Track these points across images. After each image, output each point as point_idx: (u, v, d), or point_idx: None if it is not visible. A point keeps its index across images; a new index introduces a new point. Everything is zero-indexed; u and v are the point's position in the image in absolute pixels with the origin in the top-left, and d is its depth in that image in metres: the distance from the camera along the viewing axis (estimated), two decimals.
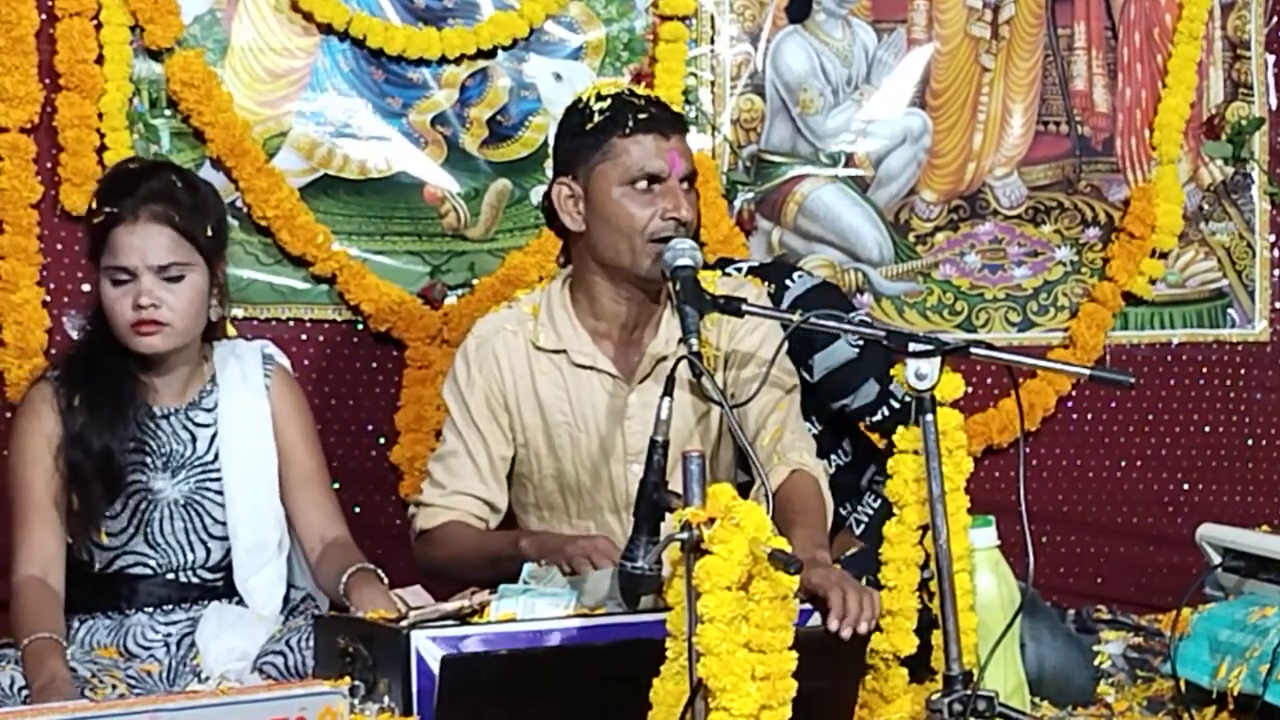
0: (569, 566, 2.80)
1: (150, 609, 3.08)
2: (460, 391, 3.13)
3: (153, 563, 3.09)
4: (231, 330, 3.42)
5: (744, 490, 2.81)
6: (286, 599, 3.16)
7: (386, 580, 2.99)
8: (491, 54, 4.06)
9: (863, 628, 2.61)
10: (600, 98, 3.03)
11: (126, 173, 3.13)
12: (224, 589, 3.12)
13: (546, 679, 2.50)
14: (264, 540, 3.12)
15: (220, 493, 3.10)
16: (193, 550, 3.10)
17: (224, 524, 3.10)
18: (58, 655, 2.79)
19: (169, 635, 3.05)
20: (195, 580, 3.11)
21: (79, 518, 3.02)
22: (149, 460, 3.07)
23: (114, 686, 2.84)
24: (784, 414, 3.10)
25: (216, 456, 3.11)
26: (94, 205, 3.04)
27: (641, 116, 3.00)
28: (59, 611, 2.94)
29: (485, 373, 3.11)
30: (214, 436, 3.12)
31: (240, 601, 3.09)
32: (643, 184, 2.99)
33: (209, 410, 3.13)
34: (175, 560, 3.09)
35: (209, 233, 3.05)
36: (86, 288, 3.70)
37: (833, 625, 2.61)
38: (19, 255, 3.74)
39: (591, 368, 3.10)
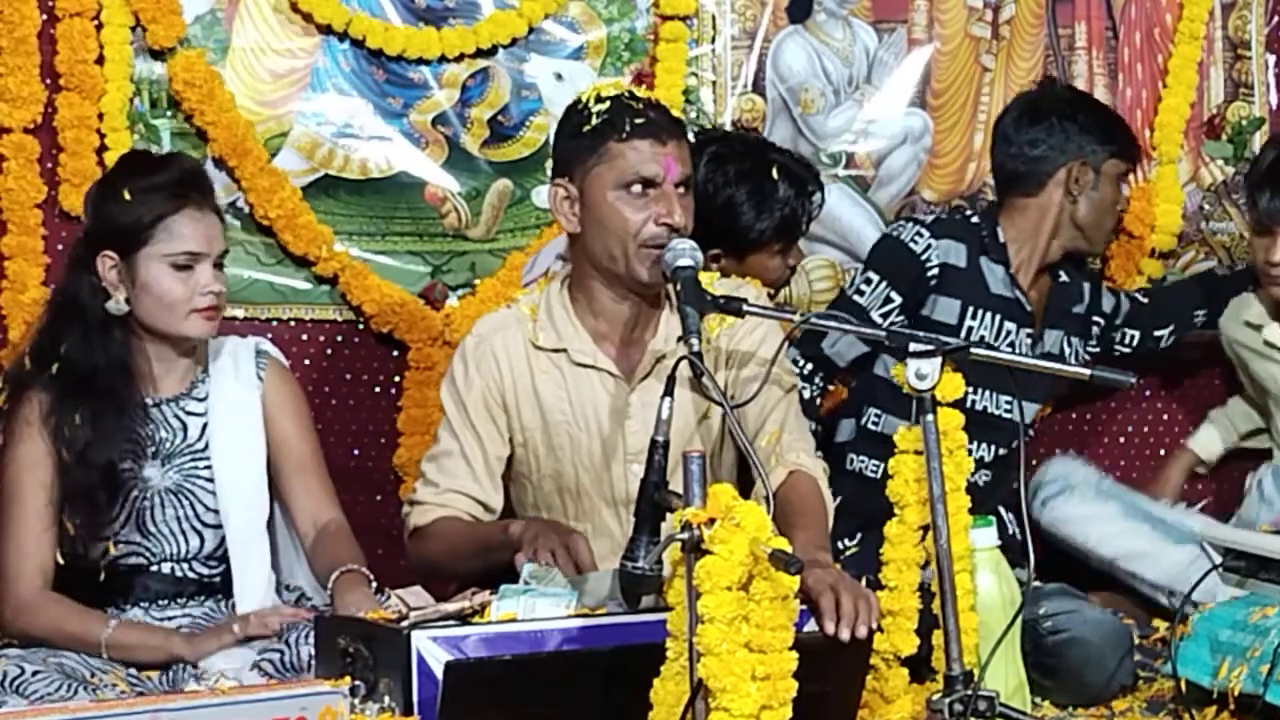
0: (552, 556, 2.79)
1: (146, 604, 3.10)
2: (458, 391, 3.13)
3: (146, 553, 3.10)
4: None
5: (745, 490, 2.81)
6: (279, 596, 3.15)
7: (374, 582, 3.00)
8: (491, 53, 4.06)
9: (861, 631, 2.60)
10: (599, 100, 3.02)
11: (161, 160, 3.23)
12: (220, 584, 3.14)
13: (548, 683, 2.50)
14: (253, 525, 3.14)
15: (210, 479, 3.13)
16: (185, 539, 3.12)
17: (215, 511, 3.12)
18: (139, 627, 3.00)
19: None
20: (191, 575, 3.13)
21: (84, 530, 3.03)
22: (139, 449, 3.09)
23: (114, 685, 2.84)
24: (783, 414, 3.10)
25: (207, 445, 3.14)
26: (128, 194, 3.04)
27: (638, 121, 2.98)
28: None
29: (484, 372, 3.11)
30: (205, 426, 3.15)
31: (233, 605, 3.09)
32: (637, 188, 2.99)
33: (200, 400, 3.17)
34: (169, 549, 3.11)
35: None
36: None
37: (829, 628, 2.60)
38: (25, 255, 3.76)
39: (592, 366, 3.10)
